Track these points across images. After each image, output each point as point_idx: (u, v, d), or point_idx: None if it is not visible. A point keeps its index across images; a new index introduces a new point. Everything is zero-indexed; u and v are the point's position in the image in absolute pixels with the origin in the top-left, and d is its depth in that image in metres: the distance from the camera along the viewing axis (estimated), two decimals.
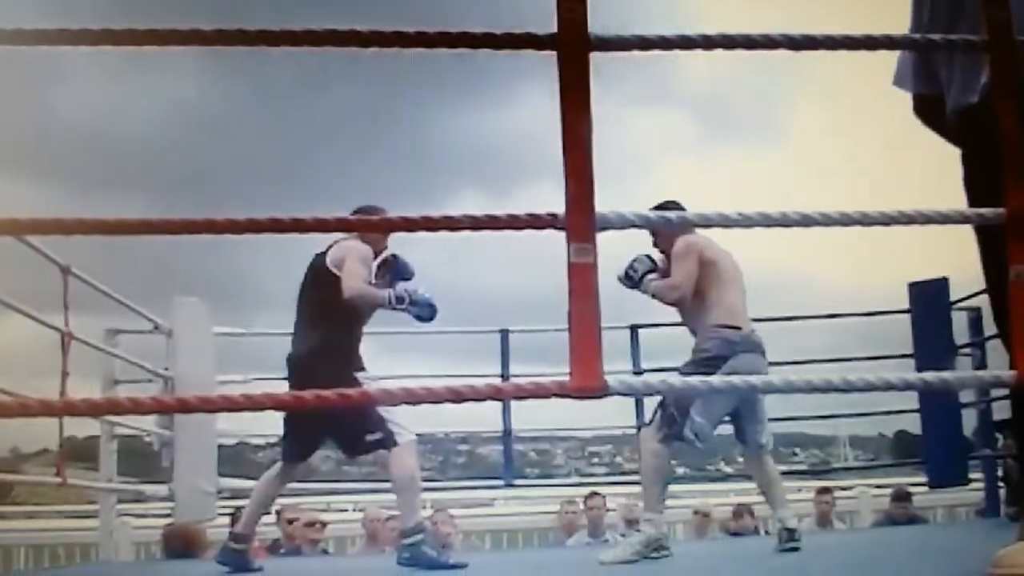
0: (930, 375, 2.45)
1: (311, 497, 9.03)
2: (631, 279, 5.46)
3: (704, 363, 5.12)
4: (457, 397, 2.24)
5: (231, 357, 7.84)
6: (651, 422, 5.23)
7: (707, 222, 2.37)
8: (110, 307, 7.00)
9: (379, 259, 5.37)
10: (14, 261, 5.35)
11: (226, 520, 7.69)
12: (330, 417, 5.03)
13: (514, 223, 2.21)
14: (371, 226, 1.87)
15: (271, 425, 9.07)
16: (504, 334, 7.97)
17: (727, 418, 5.43)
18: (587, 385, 2.10)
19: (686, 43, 2.31)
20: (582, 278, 2.11)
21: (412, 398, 2.31)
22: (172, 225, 2.17)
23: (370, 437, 5.05)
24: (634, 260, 5.49)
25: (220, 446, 7.55)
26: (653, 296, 5.46)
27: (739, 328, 5.30)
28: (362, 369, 5.25)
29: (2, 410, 2.08)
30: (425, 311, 5.25)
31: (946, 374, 2.21)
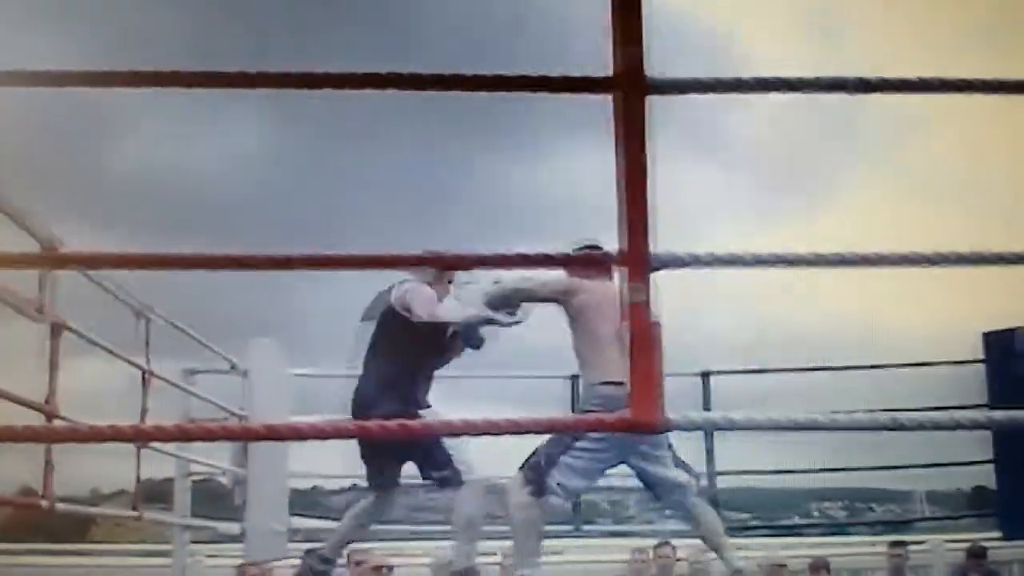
0: (998, 413, 2.45)
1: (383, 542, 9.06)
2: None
3: None
4: (518, 429, 2.29)
5: (305, 397, 7.93)
6: (519, 471, 4.92)
7: (761, 261, 2.39)
8: (187, 350, 7.14)
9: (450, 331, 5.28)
10: (92, 304, 5.49)
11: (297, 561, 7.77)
12: (404, 449, 5.14)
13: (570, 262, 2.27)
14: (439, 261, 1.93)
15: (344, 467, 9.15)
16: (573, 380, 7.95)
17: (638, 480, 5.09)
18: (646, 420, 2.13)
19: (742, 86, 2.34)
20: (638, 316, 2.15)
21: (473, 430, 2.35)
22: (276, 261, 2.23)
23: (436, 474, 5.08)
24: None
25: (293, 489, 7.63)
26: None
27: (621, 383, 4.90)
28: (427, 406, 5.26)
29: (78, 435, 2.16)
30: (474, 338, 5.16)
31: (1016, 412, 2.21)
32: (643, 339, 2.15)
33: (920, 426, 2.26)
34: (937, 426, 2.32)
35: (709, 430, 5.13)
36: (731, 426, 2.25)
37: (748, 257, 2.34)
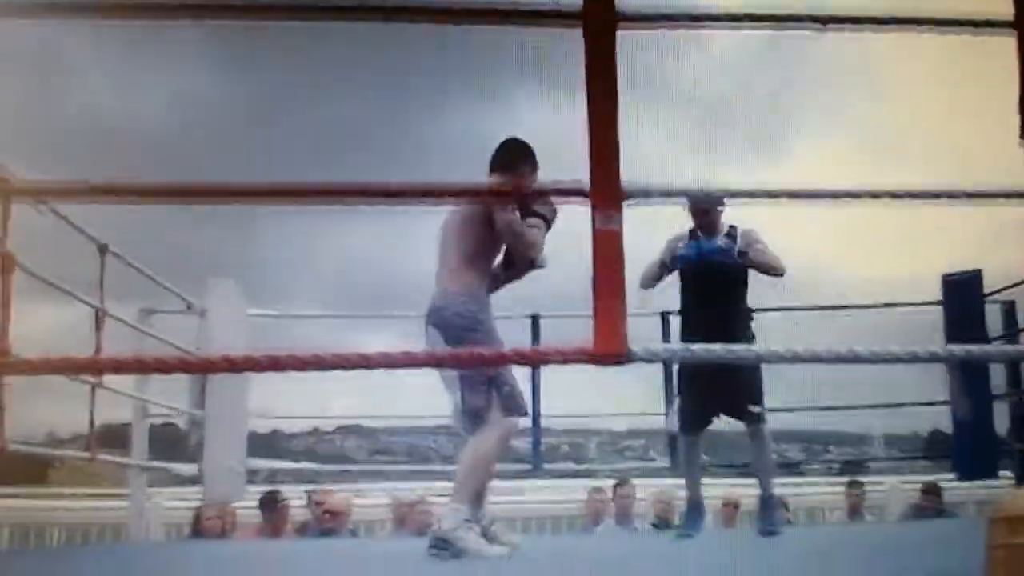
0: (955, 347, 2.45)
1: (343, 484, 9.10)
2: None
3: None
4: (481, 361, 2.27)
5: (264, 339, 7.85)
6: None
7: (734, 194, 2.37)
8: (143, 291, 7.05)
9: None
10: (45, 242, 5.39)
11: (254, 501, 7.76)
12: (725, 386, 5.28)
13: (540, 192, 2.23)
14: (379, 192, 1.88)
15: (304, 409, 9.09)
16: (535, 320, 7.95)
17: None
18: (610, 351, 2.10)
19: (712, 20, 2.32)
20: (607, 245, 2.12)
21: (444, 362, 2.32)
22: (223, 190, 2.18)
23: (755, 409, 5.36)
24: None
25: (254, 433, 7.60)
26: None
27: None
28: None
29: (32, 367, 2.12)
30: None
31: (970, 346, 2.21)
32: (610, 269, 2.13)
33: (877, 358, 2.27)
34: (895, 358, 2.33)
35: (670, 361, 5.17)
36: (692, 357, 2.25)
37: (720, 190, 2.32)
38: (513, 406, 4.44)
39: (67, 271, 5.64)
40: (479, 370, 4.21)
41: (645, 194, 2.23)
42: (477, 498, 4.47)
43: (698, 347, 2.16)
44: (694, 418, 5.54)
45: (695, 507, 5.71)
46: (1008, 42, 2.30)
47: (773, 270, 5.51)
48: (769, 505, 5.54)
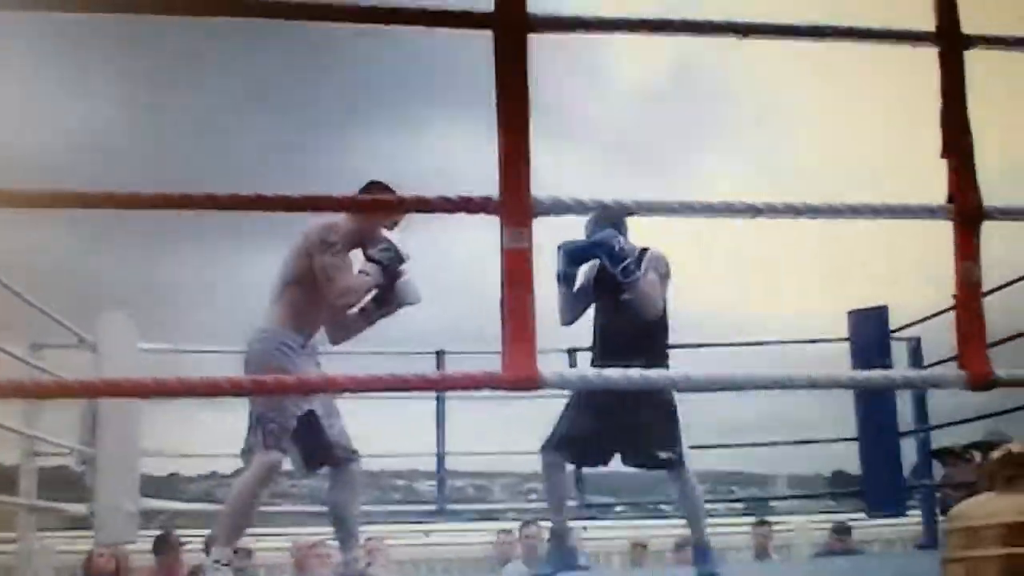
0: (872, 372, 2.37)
1: None
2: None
3: None
4: (386, 386, 2.14)
5: (158, 374, 7.58)
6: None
7: (645, 208, 2.27)
8: (33, 324, 6.80)
9: None
10: None
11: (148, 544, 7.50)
12: (627, 426, 4.91)
13: (447, 205, 2.10)
14: (298, 204, 1.78)
15: (198, 446, 8.80)
16: (439, 356, 7.81)
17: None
18: (521, 376, 1.98)
19: (624, 26, 2.23)
20: (516, 264, 2.01)
21: (342, 386, 2.19)
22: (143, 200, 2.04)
23: (663, 454, 4.96)
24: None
25: (151, 476, 7.35)
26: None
27: None
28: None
29: None
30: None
31: (889, 372, 2.13)
32: (520, 290, 2.01)
33: (776, 384, 2.21)
34: (793, 383, 2.26)
35: (582, 388, 4.66)
36: (604, 384, 2.14)
37: (632, 204, 2.22)
38: (273, 443, 4.29)
39: None
40: (252, 408, 4.31)
41: (558, 209, 2.13)
42: (233, 536, 4.38)
43: (613, 372, 2.03)
44: (576, 444, 5.03)
45: (559, 539, 5.15)
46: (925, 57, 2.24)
47: (646, 308, 4.94)
48: (703, 549, 5.21)
